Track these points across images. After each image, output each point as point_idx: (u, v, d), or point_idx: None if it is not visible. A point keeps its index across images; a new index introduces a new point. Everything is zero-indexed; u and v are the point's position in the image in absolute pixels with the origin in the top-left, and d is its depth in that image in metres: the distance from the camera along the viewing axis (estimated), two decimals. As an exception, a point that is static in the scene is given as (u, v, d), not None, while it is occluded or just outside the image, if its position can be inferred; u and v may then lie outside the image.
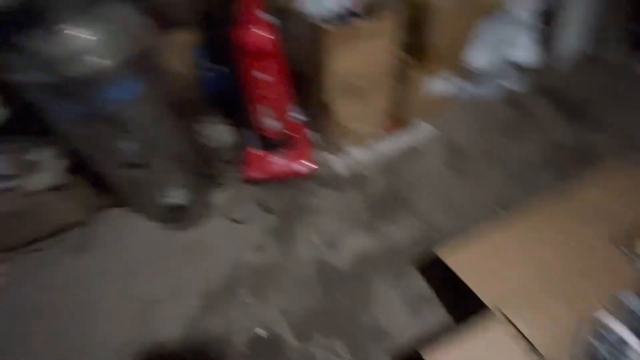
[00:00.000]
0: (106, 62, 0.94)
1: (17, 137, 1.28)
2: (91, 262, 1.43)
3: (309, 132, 1.73)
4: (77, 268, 1.42)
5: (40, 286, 1.38)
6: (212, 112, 1.78)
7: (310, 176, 1.65)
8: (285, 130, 1.57)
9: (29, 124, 1.22)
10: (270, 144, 1.62)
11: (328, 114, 1.58)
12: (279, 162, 1.64)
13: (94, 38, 0.95)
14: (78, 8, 0.96)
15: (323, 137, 1.74)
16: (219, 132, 1.77)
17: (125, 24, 1.01)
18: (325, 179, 1.67)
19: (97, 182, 1.41)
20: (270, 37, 1.19)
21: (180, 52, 1.55)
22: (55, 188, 1.33)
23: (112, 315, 1.30)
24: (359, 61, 1.42)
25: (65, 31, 0.94)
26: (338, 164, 1.72)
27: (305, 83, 1.54)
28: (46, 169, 1.30)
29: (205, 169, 1.60)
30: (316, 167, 1.64)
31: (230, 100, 1.77)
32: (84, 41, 0.95)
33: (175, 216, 1.48)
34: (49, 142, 1.30)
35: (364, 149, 1.76)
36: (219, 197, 1.61)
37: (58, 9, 0.93)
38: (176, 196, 1.42)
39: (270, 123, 1.52)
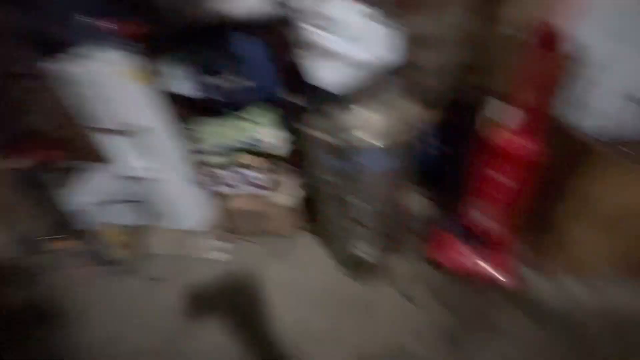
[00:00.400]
0: (377, 144, 1.13)
1: (278, 163, 1.69)
2: (280, 270, 1.70)
3: (518, 241, 1.53)
4: (270, 270, 1.71)
5: (244, 270, 1.73)
6: (417, 182, 1.85)
7: (504, 290, 1.44)
8: (493, 231, 1.45)
9: (294, 159, 1.60)
10: (470, 236, 1.53)
11: (555, 234, 1.36)
12: (471, 257, 1.52)
13: (376, 120, 1.16)
14: (370, 94, 1.20)
15: (535, 252, 1.51)
16: (417, 203, 1.82)
17: (403, 113, 1.18)
18: (523, 301, 1.43)
19: (312, 209, 1.69)
20: (532, 147, 1.13)
21: (413, 123, 1.70)
22: (286, 206, 1.68)
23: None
24: (628, 192, 1.17)
25: (356, 110, 1.18)
26: (546, 290, 1.44)
27: (539, 193, 1.38)
28: (288, 191, 1.67)
29: (395, 234, 1.66)
30: (516, 282, 1.43)
31: (440, 177, 1.80)
32: (367, 121, 1.17)
33: (357, 268, 1.59)
34: (299, 173, 1.66)
35: (588, 286, 1.41)
36: (399, 265, 1.63)
37: (355, 94, 1.20)
38: (364, 251, 1.53)
39: (480, 218, 1.44)
